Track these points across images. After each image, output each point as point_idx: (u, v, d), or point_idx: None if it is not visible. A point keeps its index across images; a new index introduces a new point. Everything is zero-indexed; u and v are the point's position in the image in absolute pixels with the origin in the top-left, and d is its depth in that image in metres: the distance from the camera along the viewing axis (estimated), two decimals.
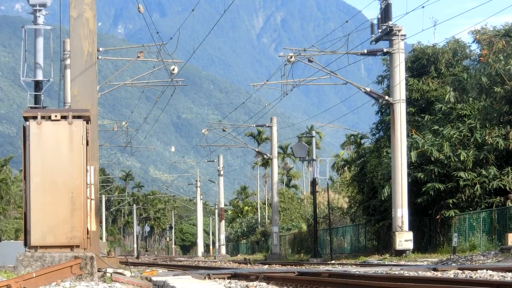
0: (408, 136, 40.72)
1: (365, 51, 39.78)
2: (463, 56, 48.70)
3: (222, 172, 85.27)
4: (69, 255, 14.70)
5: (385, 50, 39.35)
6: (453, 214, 40.29)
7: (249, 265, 36.52)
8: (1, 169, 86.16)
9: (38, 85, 30.29)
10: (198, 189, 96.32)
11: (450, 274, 17.57)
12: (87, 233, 14.98)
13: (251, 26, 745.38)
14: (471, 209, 40.28)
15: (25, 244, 14.96)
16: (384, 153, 45.27)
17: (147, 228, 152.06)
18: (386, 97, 39.60)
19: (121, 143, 70.65)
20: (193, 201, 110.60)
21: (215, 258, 69.51)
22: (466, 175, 40.06)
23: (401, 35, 38.85)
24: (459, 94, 43.45)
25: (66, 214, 14.80)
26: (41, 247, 14.81)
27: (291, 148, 56.24)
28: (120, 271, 17.24)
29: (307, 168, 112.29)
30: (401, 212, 38.78)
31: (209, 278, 17.62)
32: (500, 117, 40.50)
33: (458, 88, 43.72)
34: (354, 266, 26.81)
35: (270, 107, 56.51)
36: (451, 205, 40.44)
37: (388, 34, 38.88)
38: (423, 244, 42.51)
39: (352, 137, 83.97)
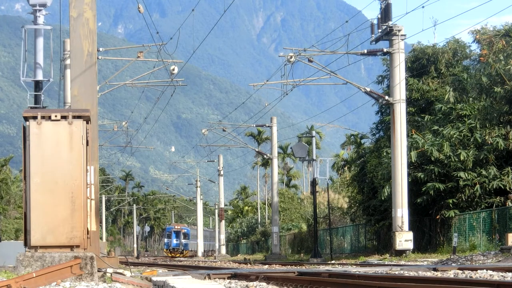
0: (408, 136, 40.70)
1: (365, 51, 39.77)
2: (463, 56, 48.68)
3: (222, 172, 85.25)
4: (69, 255, 14.70)
5: (385, 50, 39.33)
6: (453, 214, 40.26)
7: (249, 265, 36.51)
8: (1, 169, 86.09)
9: (38, 85, 30.30)
10: (198, 189, 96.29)
11: (450, 274, 17.56)
12: (87, 233, 14.99)
13: (251, 26, 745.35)
14: (471, 209, 40.26)
15: (25, 244, 14.96)
16: (384, 153, 45.25)
17: (147, 228, 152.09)
18: (386, 97, 39.59)
19: (121, 143, 70.66)
20: (193, 201, 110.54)
21: (215, 258, 69.50)
22: (466, 175, 40.04)
23: (401, 35, 38.83)
24: (459, 94, 43.43)
25: (66, 214, 14.80)
26: (41, 247, 14.81)
27: (291, 148, 56.21)
28: (120, 271, 17.24)
29: (307, 168, 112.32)
30: (401, 212, 38.76)
31: (209, 278, 17.62)
32: (500, 117, 40.49)
33: (458, 88, 43.71)
34: (354, 266, 26.80)
35: (270, 107, 56.50)
36: (451, 205, 40.42)
37: (388, 34, 38.87)
38: (423, 244, 42.50)
39: (352, 137, 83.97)
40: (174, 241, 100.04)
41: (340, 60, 41.86)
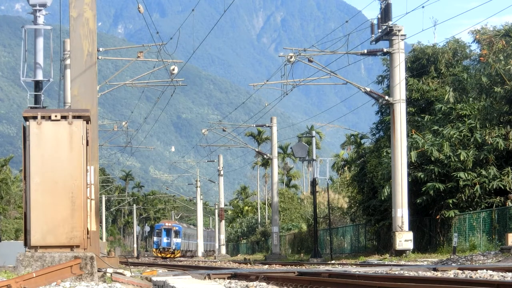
0: (408, 136, 40.70)
1: (365, 51, 39.77)
2: (463, 56, 48.67)
3: (222, 172, 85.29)
4: (69, 255, 14.70)
5: (385, 50, 39.33)
6: (453, 214, 40.26)
7: (249, 265, 36.50)
8: (1, 169, 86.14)
9: (38, 85, 30.30)
10: (198, 189, 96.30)
11: (450, 274, 17.56)
12: (87, 233, 14.99)
13: (251, 26, 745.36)
14: (471, 209, 40.26)
15: (25, 244, 14.96)
16: (384, 153, 45.25)
17: (147, 228, 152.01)
18: (386, 97, 39.59)
19: (121, 143, 70.72)
20: (193, 201, 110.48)
21: (215, 258, 69.49)
22: (466, 175, 40.04)
23: (401, 35, 38.83)
24: (459, 94, 43.43)
25: (66, 214, 14.80)
26: (41, 247, 14.81)
27: (291, 148, 56.21)
28: (120, 271, 17.24)
29: (307, 168, 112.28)
30: (401, 212, 38.76)
31: (209, 278, 17.62)
32: (500, 117, 40.49)
33: (458, 88, 43.71)
34: (354, 266, 26.79)
35: (270, 107, 56.52)
36: (451, 205, 40.42)
37: (388, 34, 38.87)
38: (423, 244, 42.50)
39: (352, 137, 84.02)
40: (165, 240, 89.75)
41: (340, 60, 41.86)
